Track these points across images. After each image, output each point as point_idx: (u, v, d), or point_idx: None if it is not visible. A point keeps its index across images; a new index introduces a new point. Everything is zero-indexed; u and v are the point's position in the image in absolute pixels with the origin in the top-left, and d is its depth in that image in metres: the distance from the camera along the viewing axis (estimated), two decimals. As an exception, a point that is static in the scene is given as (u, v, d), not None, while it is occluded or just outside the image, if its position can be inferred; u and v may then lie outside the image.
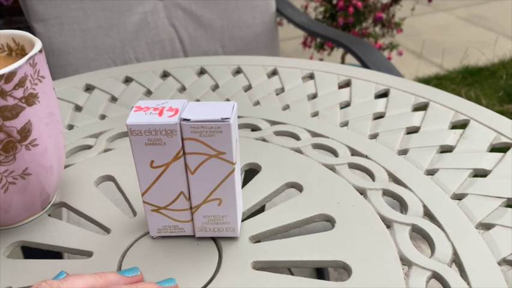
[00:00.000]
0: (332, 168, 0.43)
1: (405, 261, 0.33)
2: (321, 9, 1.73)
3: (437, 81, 1.95)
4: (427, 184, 0.40)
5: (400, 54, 1.88)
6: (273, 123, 0.51)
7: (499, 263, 0.32)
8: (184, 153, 0.32)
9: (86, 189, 0.42)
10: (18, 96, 0.32)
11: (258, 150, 0.46)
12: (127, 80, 0.64)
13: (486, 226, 0.35)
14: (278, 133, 0.49)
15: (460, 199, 0.38)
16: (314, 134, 0.48)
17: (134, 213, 0.39)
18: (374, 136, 0.47)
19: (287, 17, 1.12)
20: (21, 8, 0.95)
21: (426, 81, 1.96)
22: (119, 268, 0.34)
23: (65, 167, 0.46)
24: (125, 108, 0.56)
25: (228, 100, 0.57)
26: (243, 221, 0.37)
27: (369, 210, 0.37)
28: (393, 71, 0.79)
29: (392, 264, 0.33)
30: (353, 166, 0.43)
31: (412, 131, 0.48)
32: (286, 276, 0.32)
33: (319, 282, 0.32)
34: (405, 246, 0.34)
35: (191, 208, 0.34)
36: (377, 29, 1.79)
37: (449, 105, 0.51)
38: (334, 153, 0.45)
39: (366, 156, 0.44)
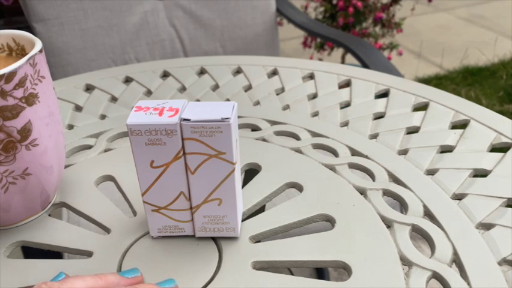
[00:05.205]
0: (332, 168, 0.43)
1: (406, 261, 0.33)
2: (321, 9, 1.73)
3: (437, 81, 1.95)
4: (427, 184, 0.40)
5: (400, 54, 1.89)
6: (273, 123, 0.51)
7: (499, 263, 0.32)
8: (184, 153, 0.32)
9: (86, 189, 0.42)
10: (18, 96, 0.32)
11: (258, 150, 0.46)
12: (127, 80, 0.64)
13: (486, 226, 0.35)
14: (278, 133, 0.49)
15: (460, 199, 0.38)
16: (314, 134, 0.48)
17: (135, 213, 0.39)
18: (374, 136, 0.47)
19: (287, 17, 1.12)
20: (21, 8, 0.95)
21: (426, 81, 1.96)
22: (119, 268, 0.34)
23: (65, 167, 0.46)
24: (126, 108, 0.56)
25: (228, 100, 0.57)
26: (243, 221, 0.37)
27: (370, 210, 0.37)
28: (393, 71, 0.79)
29: (392, 264, 0.33)
30: (353, 166, 0.43)
31: (412, 131, 0.48)
32: (286, 276, 0.32)
33: (319, 282, 0.32)
34: (406, 246, 0.34)
35: (191, 208, 0.34)
36: (377, 29, 1.79)
37: (449, 105, 0.51)
38: (334, 153, 0.45)
39: (366, 156, 0.44)
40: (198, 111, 0.31)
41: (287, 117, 0.52)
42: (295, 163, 0.44)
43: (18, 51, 0.38)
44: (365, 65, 0.83)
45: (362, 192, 0.40)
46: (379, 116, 0.51)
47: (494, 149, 0.45)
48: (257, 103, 0.56)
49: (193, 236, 0.36)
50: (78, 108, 0.57)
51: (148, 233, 0.37)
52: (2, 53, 0.39)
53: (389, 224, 0.36)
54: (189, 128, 0.30)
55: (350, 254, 0.33)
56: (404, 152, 0.45)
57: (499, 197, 0.38)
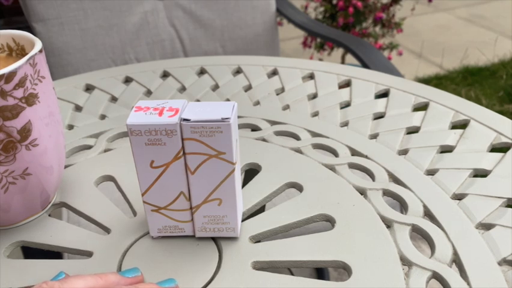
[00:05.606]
0: (332, 168, 0.43)
1: (406, 261, 0.33)
2: (321, 9, 1.73)
3: (437, 81, 1.95)
4: (427, 184, 0.40)
5: (400, 54, 1.88)
6: (273, 123, 0.51)
7: (499, 263, 0.32)
8: (184, 153, 0.32)
9: (86, 189, 0.42)
10: (18, 96, 0.32)
11: (258, 150, 0.46)
12: (127, 80, 0.64)
13: (486, 226, 0.35)
14: (278, 133, 0.49)
15: (460, 199, 0.38)
16: (314, 134, 0.48)
17: (134, 213, 0.39)
18: (374, 136, 0.47)
19: (287, 17, 1.12)
20: (21, 8, 0.95)
21: (426, 81, 1.96)
22: (119, 268, 0.34)
23: (65, 167, 0.46)
24: (125, 108, 0.56)
25: (228, 100, 0.57)
26: (243, 221, 0.37)
27: (369, 210, 0.37)
28: (393, 71, 0.79)
29: (392, 264, 0.33)
30: (353, 166, 0.43)
31: (412, 131, 0.48)
32: (286, 276, 0.32)
33: (319, 282, 0.32)
34: (406, 246, 0.34)
35: (191, 208, 0.34)
36: (377, 29, 1.79)
37: (449, 105, 0.51)
38: (334, 153, 0.45)
39: (366, 156, 0.44)
40: (197, 111, 0.31)
41: (287, 117, 0.52)
42: (295, 163, 0.44)
43: (18, 51, 0.38)
44: (365, 65, 0.83)
45: (362, 192, 0.40)
46: (379, 116, 0.51)
47: (494, 149, 0.45)
48: (257, 103, 0.56)
49: (193, 236, 0.36)
50: (78, 108, 0.57)
51: (148, 233, 0.37)
52: (2, 53, 0.39)
53: (389, 224, 0.36)
54: (189, 128, 0.30)
55: (350, 254, 0.33)
56: (404, 152, 0.45)
57: (499, 197, 0.38)
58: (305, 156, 0.45)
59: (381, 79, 0.58)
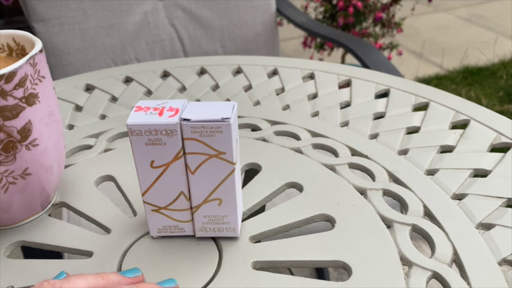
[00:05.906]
0: (332, 168, 0.43)
1: (406, 261, 0.33)
2: (321, 9, 1.73)
3: (437, 81, 1.95)
4: (427, 184, 0.40)
5: (400, 54, 1.88)
6: (273, 123, 0.51)
7: (499, 263, 0.32)
8: (184, 153, 0.32)
9: (86, 189, 0.42)
10: (18, 96, 0.32)
11: (258, 150, 0.46)
12: (127, 80, 0.64)
13: (486, 226, 0.35)
14: (278, 133, 0.49)
15: (460, 199, 0.38)
16: (314, 134, 0.48)
17: (135, 213, 0.39)
18: (374, 136, 0.47)
19: (287, 17, 1.12)
20: (21, 8, 0.95)
21: (427, 81, 1.96)
22: (120, 268, 0.34)
23: (65, 167, 0.46)
24: (126, 108, 0.56)
25: (228, 100, 0.57)
26: (243, 221, 0.37)
27: (370, 210, 0.37)
28: (393, 71, 0.79)
29: (392, 264, 0.33)
30: (353, 166, 0.43)
31: (412, 131, 0.48)
32: (286, 276, 0.32)
33: (319, 282, 0.32)
34: (406, 246, 0.34)
35: (191, 208, 0.34)
36: (377, 29, 1.79)
37: (449, 105, 0.51)
38: (334, 153, 0.45)
39: (366, 156, 0.44)
40: (197, 111, 0.31)
41: (287, 117, 0.52)
42: (295, 163, 0.44)
43: (18, 51, 0.38)
44: (365, 65, 0.83)
45: (362, 192, 0.40)
46: (379, 116, 0.51)
47: (494, 149, 0.45)
48: (257, 103, 0.56)
49: (193, 236, 0.36)
50: (78, 108, 0.57)
51: (148, 233, 0.37)
52: (2, 53, 0.39)
53: (389, 224, 0.36)
54: (189, 128, 0.30)
55: (350, 254, 0.33)
56: (404, 152, 0.45)
57: (499, 197, 0.38)
58: (305, 156, 0.45)
59: (381, 79, 0.58)
